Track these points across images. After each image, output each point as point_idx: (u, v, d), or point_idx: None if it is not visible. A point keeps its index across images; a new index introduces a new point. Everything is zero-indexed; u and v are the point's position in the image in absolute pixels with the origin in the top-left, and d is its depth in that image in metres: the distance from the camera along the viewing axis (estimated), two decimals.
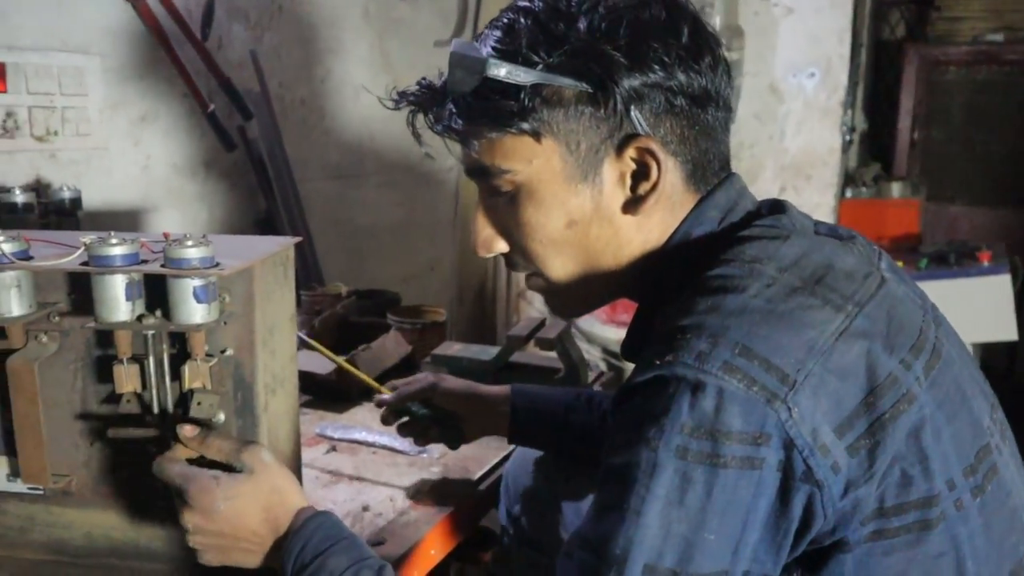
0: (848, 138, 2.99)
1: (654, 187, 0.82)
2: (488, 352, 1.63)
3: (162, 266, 0.89)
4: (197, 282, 0.89)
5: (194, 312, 0.90)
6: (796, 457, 0.68)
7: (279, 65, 2.31)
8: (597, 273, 0.88)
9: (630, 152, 0.82)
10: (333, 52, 2.51)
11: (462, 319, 3.30)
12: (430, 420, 1.28)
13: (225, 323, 0.94)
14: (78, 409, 1.02)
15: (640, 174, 0.83)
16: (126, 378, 0.95)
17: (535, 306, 3.33)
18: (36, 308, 0.97)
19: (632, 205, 0.84)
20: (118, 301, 0.91)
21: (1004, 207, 3.86)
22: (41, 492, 1.05)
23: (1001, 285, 2.53)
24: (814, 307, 0.73)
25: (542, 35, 0.80)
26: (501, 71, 0.78)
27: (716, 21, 2.66)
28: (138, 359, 0.96)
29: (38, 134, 1.67)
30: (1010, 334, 2.55)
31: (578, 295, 0.91)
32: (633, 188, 0.84)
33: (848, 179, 3.26)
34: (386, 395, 1.29)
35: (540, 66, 0.79)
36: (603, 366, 2.85)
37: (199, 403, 0.95)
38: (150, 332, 0.93)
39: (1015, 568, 0.79)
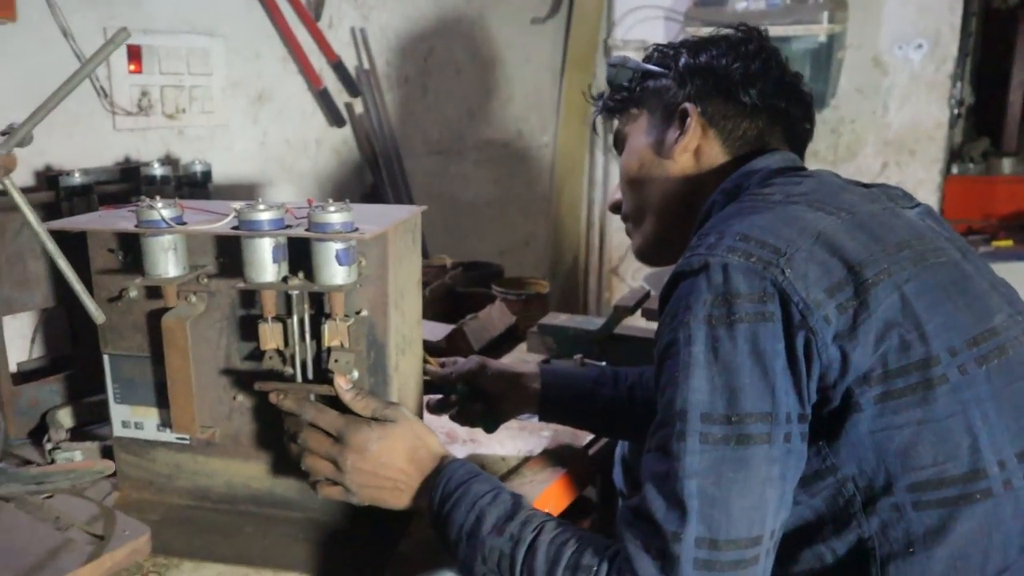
0: (956, 112, 2.89)
1: (681, 136, 1.11)
2: (593, 323, 1.66)
3: (307, 230, 0.95)
4: (339, 245, 0.95)
5: (335, 274, 0.96)
6: (793, 309, 0.83)
7: (385, 43, 2.37)
8: (651, 206, 1.15)
9: (678, 114, 1.12)
10: (435, 30, 2.56)
11: (555, 293, 3.34)
12: (471, 400, 1.34)
13: (360, 285, 1.00)
14: (222, 365, 1.10)
15: (682, 131, 1.11)
16: (270, 336, 1.02)
17: (627, 282, 3.35)
18: (188, 270, 1.04)
19: (669, 149, 1.12)
20: (265, 263, 0.98)
21: None
22: (188, 442, 1.14)
23: None
24: (808, 210, 0.92)
25: (656, 51, 1.20)
26: (627, 64, 1.19)
27: None
28: (280, 319, 1.03)
29: (168, 112, 1.76)
30: None
31: (641, 227, 1.18)
32: (675, 142, 1.12)
33: (954, 155, 3.15)
34: (434, 367, 1.36)
35: (648, 64, 1.17)
36: None
37: (336, 360, 1.01)
38: (294, 292, 1.00)
39: (1015, 437, 0.86)
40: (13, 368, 1.45)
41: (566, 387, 1.33)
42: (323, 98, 2.15)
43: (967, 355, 0.86)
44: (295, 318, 1.02)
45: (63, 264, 0.94)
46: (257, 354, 1.05)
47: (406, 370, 1.09)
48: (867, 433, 0.84)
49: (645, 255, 1.22)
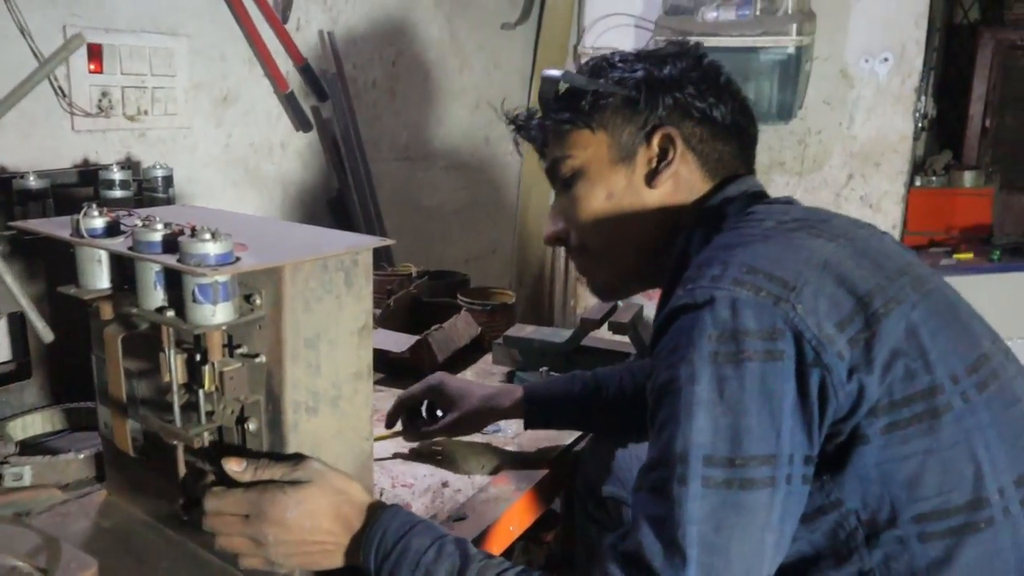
0: (920, 125, 2.93)
1: (669, 164, 1.04)
2: (560, 335, 1.65)
3: (130, 248, 0.87)
4: (200, 280, 0.84)
5: (197, 311, 0.85)
6: (806, 346, 0.80)
7: (354, 47, 2.34)
8: (626, 241, 1.07)
9: (656, 139, 1.05)
10: (404, 34, 2.54)
11: (521, 301, 3.32)
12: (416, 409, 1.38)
13: (260, 327, 0.91)
14: (130, 388, 1.04)
15: (662, 158, 1.05)
16: (166, 366, 0.91)
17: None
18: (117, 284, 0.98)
19: (651, 177, 1.05)
20: (148, 288, 0.90)
21: None
22: None
23: None
24: (810, 236, 0.89)
25: (604, 63, 1.10)
26: (574, 80, 1.07)
27: (788, 4, 2.63)
28: (187, 350, 0.93)
29: (130, 113, 1.72)
30: None
31: (611, 263, 1.10)
32: (656, 170, 1.05)
33: (917, 167, 3.19)
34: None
35: (601, 80, 1.07)
36: None
37: (209, 412, 0.93)
38: (167, 326, 0.89)
39: (1014, 462, 0.86)
40: None
41: (550, 394, 1.35)
42: (289, 101, 2.11)
43: (968, 382, 0.85)
44: (171, 353, 0.90)
45: (9, 279, 0.90)
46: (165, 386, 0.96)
47: (320, 432, 0.97)
48: (873, 465, 0.82)
49: (612, 291, 1.16)
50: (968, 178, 3.11)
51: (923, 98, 2.90)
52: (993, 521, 0.82)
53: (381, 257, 2.28)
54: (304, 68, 2.13)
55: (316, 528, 0.91)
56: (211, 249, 0.84)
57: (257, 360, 0.92)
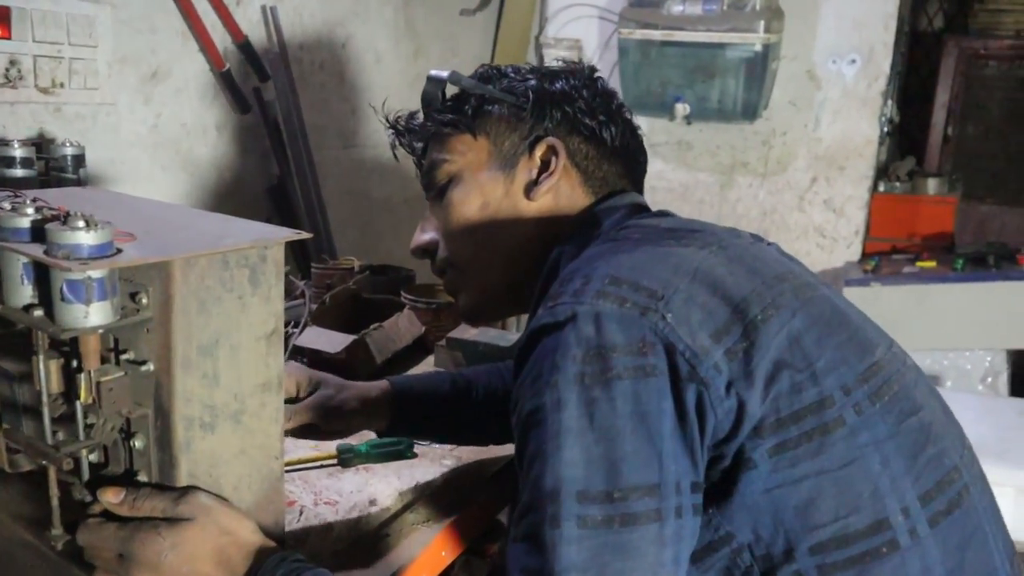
0: (887, 130, 2.87)
1: (550, 175, 0.99)
2: (506, 338, 1.54)
3: (45, 252, 0.73)
4: (69, 275, 0.72)
5: (67, 311, 0.73)
6: (679, 359, 0.73)
7: (300, 26, 2.21)
8: (498, 254, 1.02)
9: (539, 150, 1.00)
10: (356, 16, 2.41)
11: None
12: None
13: (148, 330, 0.78)
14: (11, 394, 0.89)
15: (543, 171, 1.00)
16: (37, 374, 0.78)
17: None
18: None
19: (531, 188, 1.00)
20: (15, 282, 0.77)
21: None
22: None
23: None
24: (678, 247, 0.83)
25: (494, 71, 1.06)
26: (461, 82, 1.03)
27: (756, 1, 2.55)
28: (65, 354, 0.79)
29: (43, 85, 1.58)
30: None
31: (480, 278, 1.04)
32: (535, 181, 1.00)
33: (880, 173, 3.14)
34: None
35: (489, 86, 1.02)
36: None
37: (90, 426, 0.80)
38: (36, 328, 0.76)
39: (942, 479, 0.79)
40: None
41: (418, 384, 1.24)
42: (226, 80, 1.98)
43: (860, 393, 0.78)
44: (39, 361, 0.77)
45: None
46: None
47: (218, 452, 0.84)
48: (762, 492, 0.75)
49: (480, 312, 1.08)
50: (932, 185, 3.06)
51: (889, 102, 2.84)
52: (898, 545, 0.75)
53: (323, 249, 2.15)
54: (243, 45, 2.00)
55: (194, 572, 0.78)
56: (84, 239, 0.71)
57: (143, 368, 0.79)
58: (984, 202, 3.82)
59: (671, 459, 0.72)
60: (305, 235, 0.89)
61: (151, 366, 0.80)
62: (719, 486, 0.76)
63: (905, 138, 3.94)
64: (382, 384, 1.22)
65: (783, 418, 0.75)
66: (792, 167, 2.91)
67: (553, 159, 0.99)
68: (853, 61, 2.74)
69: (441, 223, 1.04)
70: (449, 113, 1.02)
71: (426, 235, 1.06)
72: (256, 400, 0.88)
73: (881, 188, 3.02)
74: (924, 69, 4.02)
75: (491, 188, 1.00)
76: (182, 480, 0.83)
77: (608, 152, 1.02)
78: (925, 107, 3.94)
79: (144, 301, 0.78)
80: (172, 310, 0.78)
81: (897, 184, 3.04)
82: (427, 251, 1.06)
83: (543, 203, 1.00)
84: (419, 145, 1.09)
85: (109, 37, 1.69)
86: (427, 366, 1.65)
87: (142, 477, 0.84)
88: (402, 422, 1.22)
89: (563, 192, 1.00)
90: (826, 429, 0.75)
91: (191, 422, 0.82)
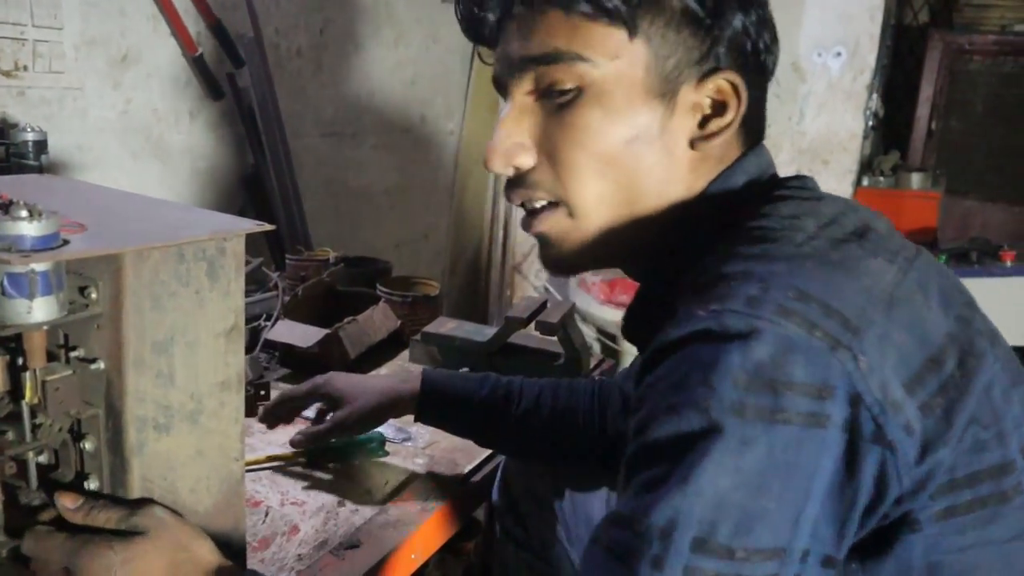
0: (871, 123, 2.85)
1: (727, 126, 0.75)
2: (483, 332, 1.51)
3: None
4: (10, 268, 0.68)
5: (9, 306, 0.69)
6: (864, 414, 0.59)
7: (276, 10, 2.16)
8: (631, 210, 0.77)
9: (713, 83, 0.75)
10: (335, 1, 2.36)
11: (454, 289, 3.18)
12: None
13: (99, 326, 0.74)
14: None
15: (716, 113, 0.76)
16: None
17: (530, 280, 3.21)
18: None
19: (701, 140, 0.76)
20: None
21: (1018, 204, 3.74)
22: None
23: None
24: (865, 256, 0.66)
25: None
26: None
27: None
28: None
29: (5, 68, 1.52)
30: None
31: (595, 236, 0.78)
32: (702, 124, 0.76)
33: (864, 167, 3.13)
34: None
35: None
36: (597, 347, 2.74)
37: (36, 425, 0.75)
38: None
39: None
40: None
41: (451, 382, 1.16)
42: (199, 65, 1.92)
43: None
44: None
45: None
46: None
47: (173, 454, 0.79)
48: (920, 556, 0.64)
49: (577, 265, 0.82)
50: (916, 180, 3.05)
51: (874, 96, 2.82)
52: None
53: (298, 240, 2.11)
54: (217, 29, 1.94)
55: None
56: (27, 230, 0.66)
57: (94, 367, 0.75)
58: (967, 197, 3.81)
59: (809, 524, 0.60)
60: (267, 227, 0.85)
61: (101, 364, 0.75)
62: (870, 541, 0.65)
63: (890, 132, 3.93)
64: (413, 382, 1.16)
65: (959, 480, 0.63)
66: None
67: (732, 102, 0.75)
68: (838, 54, 2.72)
69: (552, 141, 0.76)
70: None
71: (520, 149, 0.77)
72: (215, 399, 0.83)
73: (865, 182, 3.00)
74: (909, 63, 4.00)
75: (645, 119, 0.74)
76: (135, 484, 0.79)
77: (764, 87, 0.80)
78: (910, 101, 3.92)
79: (94, 296, 0.73)
80: (123, 306, 0.73)
81: (881, 179, 3.02)
82: (515, 169, 0.78)
83: (703, 155, 0.76)
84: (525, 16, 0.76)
85: (76, 19, 1.63)
86: (402, 360, 1.61)
87: (93, 481, 0.80)
88: (430, 420, 1.17)
89: (724, 144, 0.77)
90: (1004, 497, 0.65)
91: (144, 423, 0.77)
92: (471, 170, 3.09)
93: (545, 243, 0.80)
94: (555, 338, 1.45)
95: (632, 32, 0.72)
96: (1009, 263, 2.48)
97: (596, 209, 0.76)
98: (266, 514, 1.10)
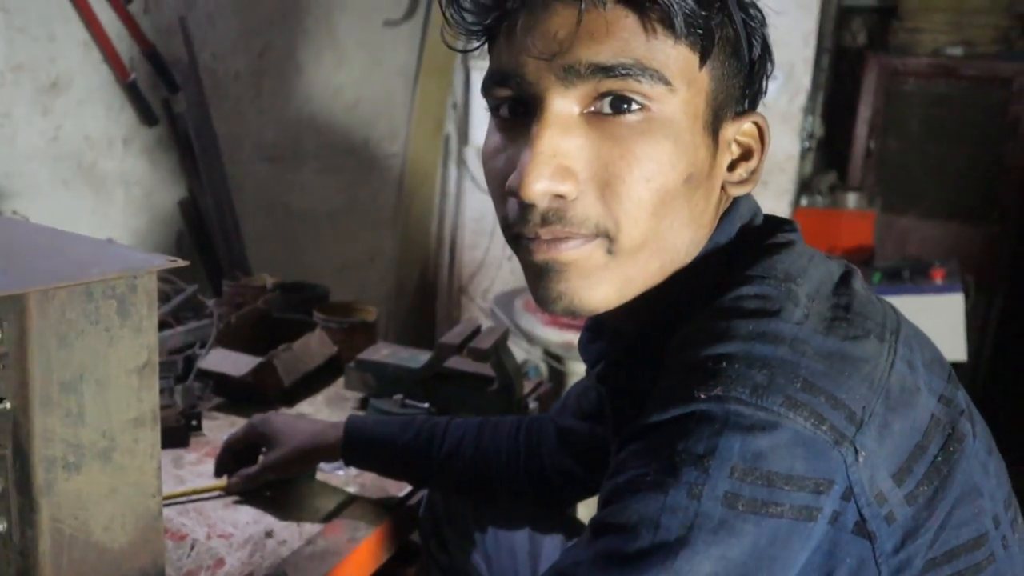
0: (807, 145, 2.91)
1: (755, 170, 0.73)
2: (418, 359, 1.50)
3: None
4: None
5: None
6: (850, 507, 0.59)
7: (213, 35, 2.14)
8: (667, 255, 0.70)
9: (744, 125, 0.72)
10: (274, 25, 2.35)
11: (401, 313, 3.17)
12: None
13: (4, 366, 0.73)
14: None
15: (745, 156, 0.74)
16: None
17: (477, 302, 3.22)
18: None
19: (732, 184, 0.73)
20: None
21: (955, 221, 3.84)
22: None
23: (953, 304, 2.49)
24: (860, 337, 0.63)
25: None
26: None
27: None
28: None
29: None
30: (959, 355, 2.51)
31: (625, 279, 0.70)
32: (730, 167, 0.73)
33: (803, 187, 3.19)
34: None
35: None
36: (544, 368, 2.75)
37: None
38: None
39: None
40: None
41: (374, 428, 1.17)
42: (133, 91, 1.90)
43: (1006, 522, 0.69)
44: None
45: None
46: None
47: (85, 492, 0.79)
48: None
49: (602, 301, 0.70)
50: (852, 199, 3.12)
51: (810, 117, 2.88)
52: None
53: (236, 266, 2.09)
54: (151, 54, 1.93)
55: None
56: None
57: (0, 407, 0.74)
58: (906, 215, 3.91)
59: None
60: (180, 262, 0.85)
61: (7, 404, 0.75)
62: None
63: (831, 152, 4.02)
64: (340, 427, 1.17)
65: (938, 558, 0.64)
66: None
67: (756, 146, 0.73)
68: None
69: (610, 170, 0.66)
70: (703, 7, 0.65)
71: (566, 174, 0.66)
72: (128, 436, 0.83)
73: (804, 202, 3.06)
74: (849, 85, 4.10)
75: (701, 156, 0.69)
76: (44, 524, 0.78)
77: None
78: (850, 122, 4.02)
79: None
80: (28, 345, 0.73)
81: (819, 198, 3.09)
82: (556, 190, 0.66)
83: (724, 201, 0.74)
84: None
85: (2, 44, 1.61)
86: (338, 387, 1.60)
87: (1, 523, 0.78)
88: (357, 464, 1.19)
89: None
90: (978, 568, 0.65)
91: (53, 463, 0.77)
92: (416, 192, 3.10)
93: (564, 276, 0.69)
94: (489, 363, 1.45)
95: (704, 59, 0.67)
96: (939, 280, 2.55)
97: (639, 251, 0.68)
98: (191, 547, 1.08)
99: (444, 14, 0.70)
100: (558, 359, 2.71)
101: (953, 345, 2.46)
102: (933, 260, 2.72)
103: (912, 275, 2.61)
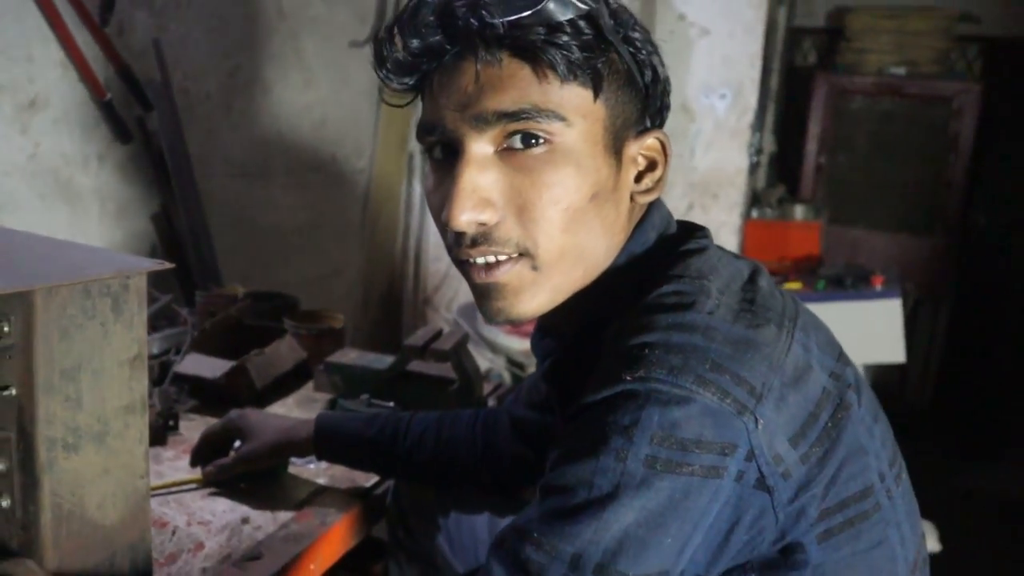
0: (755, 160, 3.05)
1: (659, 179, 0.85)
2: (383, 361, 1.60)
3: None
4: None
5: None
6: (752, 466, 0.71)
7: (185, 56, 2.23)
8: (586, 264, 0.83)
9: (647, 141, 0.84)
10: (243, 47, 2.44)
11: (368, 324, 3.25)
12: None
13: (11, 356, 0.82)
14: None
15: (646, 167, 0.86)
16: None
17: (441, 312, 3.31)
18: None
19: (639, 194, 0.85)
20: None
21: (903, 233, 4.00)
22: None
23: (892, 309, 2.63)
24: (761, 325, 0.76)
25: (627, 16, 0.82)
26: (604, 18, 0.78)
27: None
28: None
29: None
30: (899, 356, 2.66)
31: (553, 289, 0.82)
32: (637, 179, 0.85)
33: (755, 199, 3.33)
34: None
35: (620, 35, 0.80)
36: (507, 376, 2.84)
37: None
38: None
39: (919, 548, 0.85)
40: None
41: (342, 424, 1.27)
42: (108, 110, 1.98)
43: (889, 476, 0.81)
44: None
45: None
46: None
47: (82, 471, 0.88)
48: (810, 570, 0.76)
49: (535, 311, 0.84)
50: (799, 211, 3.27)
51: (758, 134, 3.02)
52: None
53: (209, 277, 2.17)
54: (125, 74, 2.01)
55: None
56: None
57: (5, 394, 0.83)
58: (855, 227, 4.07)
59: (690, 551, 0.72)
60: (167, 265, 0.94)
61: (13, 391, 0.83)
62: (776, 561, 0.76)
63: (783, 167, 4.17)
64: (311, 424, 1.26)
65: (830, 507, 0.75)
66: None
67: (660, 158, 0.85)
68: (723, 96, 2.91)
69: (523, 197, 0.78)
70: (585, 49, 0.76)
71: (486, 205, 0.78)
72: (120, 422, 0.92)
73: (754, 214, 3.20)
74: (800, 102, 4.27)
75: (603, 175, 0.80)
76: (45, 500, 0.87)
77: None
78: (801, 138, 4.18)
79: (7, 329, 0.81)
80: (34, 337, 0.82)
81: (768, 210, 3.22)
82: (478, 218, 0.78)
83: (636, 208, 0.86)
84: (496, 58, 0.76)
85: None
86: (307, 390, 1.69)
87: (4, 500, 0.87)
88: (327, 458, 1.28)
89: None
90: (865, 515, 0.77)
91: (54, 443, 0.85)
92: (382, 207, 3.19)
93: (500, 294, 0.82)
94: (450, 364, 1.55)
95: (597, 93, 0.78)
96: (879, 287, 2.69)
97: (560, 263, 0.81)
98: (173, 533, 1.17)
99: (378, 75, 0.83)
100: (520, 366, 2.81)
101: (892, 347, 2.60)
102: (874, 268, 2.86)
103: (854, 282, 2.75)
